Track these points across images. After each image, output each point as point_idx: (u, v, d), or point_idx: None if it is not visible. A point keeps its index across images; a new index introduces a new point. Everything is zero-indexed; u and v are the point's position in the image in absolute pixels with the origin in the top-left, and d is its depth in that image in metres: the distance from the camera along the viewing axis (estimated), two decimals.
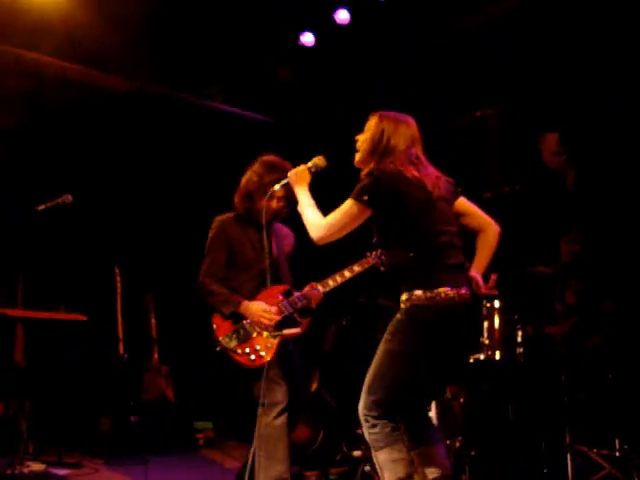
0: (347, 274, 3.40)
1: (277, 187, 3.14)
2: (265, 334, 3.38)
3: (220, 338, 3.42)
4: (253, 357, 3.35)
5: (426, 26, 5.20)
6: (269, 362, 3.30)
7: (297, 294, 3.46)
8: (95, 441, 5.18)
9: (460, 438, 3.62)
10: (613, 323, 3.82)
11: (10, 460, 4.18)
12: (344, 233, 2.81)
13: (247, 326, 3.40)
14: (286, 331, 3.40)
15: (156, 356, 5.66)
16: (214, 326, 3.47)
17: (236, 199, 3.57)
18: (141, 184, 6.04)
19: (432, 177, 2.81)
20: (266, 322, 3.37)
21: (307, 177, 2.98)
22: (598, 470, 3.48)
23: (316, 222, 2.82)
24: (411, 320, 2.69)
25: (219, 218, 3.60)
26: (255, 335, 3.39)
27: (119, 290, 5.52)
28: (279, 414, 3.32)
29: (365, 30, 5.46)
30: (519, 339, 3.77)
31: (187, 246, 6.28)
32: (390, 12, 5.26)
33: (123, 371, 5.35)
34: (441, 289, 2.67)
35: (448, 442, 3.50)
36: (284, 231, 3.70)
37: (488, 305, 3.81)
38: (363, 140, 2.91)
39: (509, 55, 4.81)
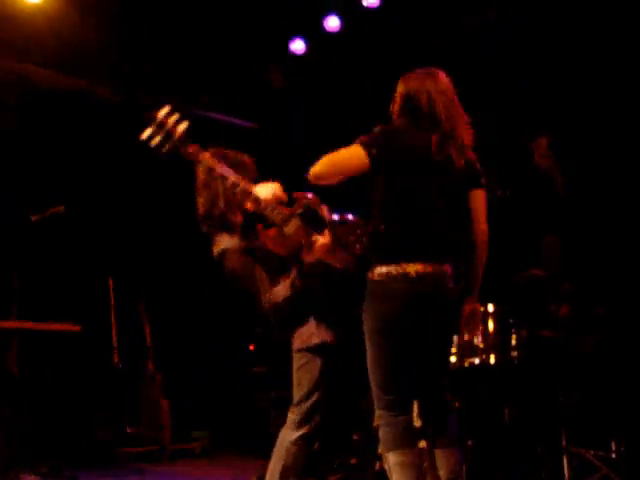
0: None
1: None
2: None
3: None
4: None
5: (418, 28, 5.22)
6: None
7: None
8: (90, 451, 5.16)
9: None
10: (605, 327, 3.84)
11: (4, 473, 4.16)
12: (338, 174, 2.64)
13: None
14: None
15: (151, 365, 5.64)
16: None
17: (200, 210, 3.22)
18: (133, 193, 6.04)
19: (459, 145, 2.65)
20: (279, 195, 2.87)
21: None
22: (594, 472, 3.49)
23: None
24: (369, 297, 2.61)
25: (224, 248, 3.17)
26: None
27: (112, 299, 5.51)
28: (309, 435, 3.00)
29: (356, 36, 5.48)
30: (513, 342, 3.78)
31: (180, 254, 6.32)
32: (381, 17, 5.28)
33: (118, 380, 5.34)
34: (408, 265, 2.56)
35: None
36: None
37: (482, 309, 3.81)
38: (392, 106, 2.79)
39: (500, 57, 4.84)
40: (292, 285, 2.92)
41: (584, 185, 4.22)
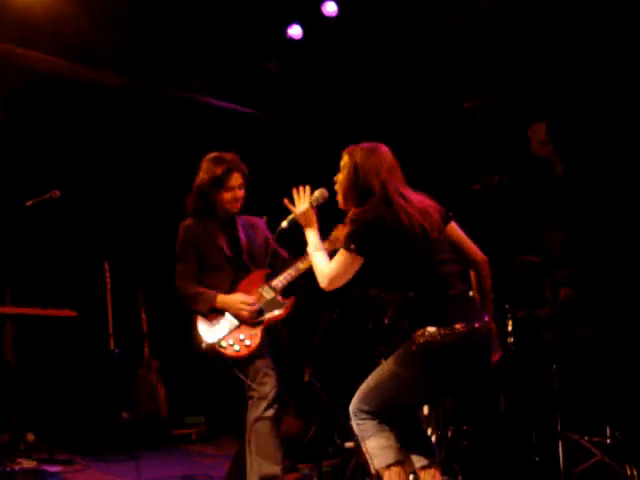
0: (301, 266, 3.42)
1: (284, 224, 3.08)
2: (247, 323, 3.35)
3: (202, 336, 3.38)
4: (238, 347, 3.32)
5: (418, 19, 5.19)
6: (255, 352, 3.29)
7: (279, 275, 3.43)
8: (86, 437, 5.16)
9: (451, 428, 3.62)
10: (603, 316, 3.83)
11: (1, 457, 4.17)
12: (346, 279, 2.80)
13: (228, 318, 3.38)
14: (268, 315, 3.36)
15: (147, 351, 5.65)
16: (197, 327, 3.42)
17: (188, 202, 3.58)
18: (130, 178, 6.01)
19: (420, 208, 2.75)
20: (245, 313, 3.34)
21: (313, 217, 2.96)
22: (589, 458, 3.49)
23: (321, 271, 2.81)
24: (425, 354, 2.66)
25: (183, 224, 3.58)
26: (238, 325, 3.35)
27: (109, 285, 5.50)
28: (268, 407, 3.29)
29: (353, 22, 5.45)
30: (509, 328, 3.77)
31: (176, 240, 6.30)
32: (379, 5, 5.25)
33: (114, 367, 5.33)
34: (456, 325, 2.65)
35: (439, 433, 3.51)
36: (251, 221, 3.68)
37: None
38: (340, 182, 2.88)
39: (497, 46, 4.82)
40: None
41: (584, 171, 4.21)
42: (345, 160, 2.86)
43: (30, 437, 4.86)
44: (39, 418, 5.03)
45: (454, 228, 2.89)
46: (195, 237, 3.52)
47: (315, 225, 2.95)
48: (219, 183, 3.47)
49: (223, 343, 3.33)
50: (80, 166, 5.65)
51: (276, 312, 3.38)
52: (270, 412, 3.29)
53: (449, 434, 3.60)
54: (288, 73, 6.04)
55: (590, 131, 4.31)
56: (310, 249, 2.92)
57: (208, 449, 5.50)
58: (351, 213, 2.80)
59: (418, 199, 2.80)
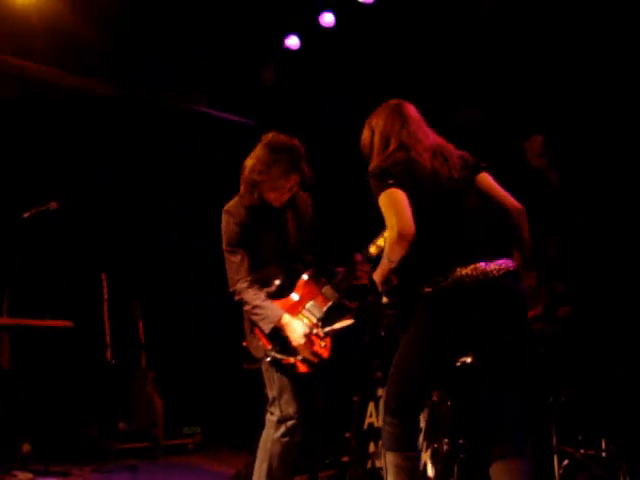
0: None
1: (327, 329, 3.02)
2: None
3: (269, 348, 3.06)
4: (309, 363, 3.04)
5: (410, 25, 5.20)
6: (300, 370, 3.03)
7: (339, 273, 3.11)
8: (83, 448, 5.16)
9: (447, 441, 3.62)
10: (600, 329, 3.84)
11: None
12: (409, 216, 2.53)
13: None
14: (337, 325, 3.07)
15: (144, 361, 5.64)
16: (260, 335, 3.11)
17: (242, 189, 3.15)
18: (127, 189, 6.02)
19: (434, 148, 2.69)
20: (305, 344, 3.02)
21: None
22: (584, 471, 3.50)
23: (389, 241, 2.58)
24: (429, 303, 2.59)
25: (227, 209, 3.17)
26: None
27: (105, 296, 5.50)
28: (289, 432, 3.05)
29: (350, 33, 5.46)
30: None
31: (173, 251, 6.31)
32: (375, 14, 5.26)
33: (111, 377, 5.33)
34: (459, 271, 2.53)
35: (435, 446, 3.50)
36: (302, 201, 3.29)
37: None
38: (362, 147, 2.85)
39: (495, 54, 4.83)
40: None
41: (580, 184, 4.22)
42: (365, 129, 2.84)
43: (26, 448, 4.85)
44: (35, 429, 5.01)
45: (485, 178, 2.75)
46: (243, 223, 3.12)
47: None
48: (276, 186, 3.08)
49: (292, 359, 3.04)
50: (77, 177, 5.65)
51: (345, 321, 3.11)
52: (289, 438, 3.05)
53: (445, 447, 3.60)
54: (284, 83, 6.06)
55: (586, 144, 4.32)
56: (383, 267, 2.68)
57: (205, 459, 5.48)
58: (370, 168, 2.72)
59: (436, 140, 2.75)
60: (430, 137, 2.77)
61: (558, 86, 4.55)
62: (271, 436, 3.08)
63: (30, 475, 4.38)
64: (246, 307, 3.11)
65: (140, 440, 5.41)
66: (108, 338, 5.42)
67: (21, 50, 5.20)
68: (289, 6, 5.42)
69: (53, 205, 4.34)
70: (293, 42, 5.74)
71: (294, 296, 3.16)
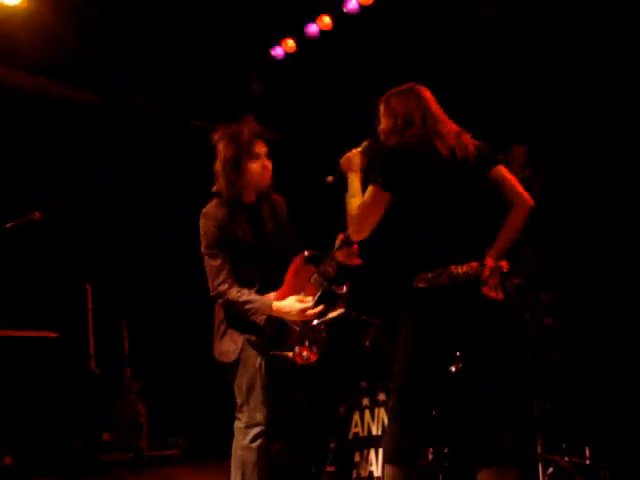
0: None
1: (330, 178, 2.90)
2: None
3: (266, 347, 3.04)
4: (306, 355, 3.01)
5: (398, 33, 5.23)
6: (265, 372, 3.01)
7: (326, 259, 3.04)
8: (67, 459, 5.11)
9: (431, 450, 3.63)
10: (585, 339, 3.86)
11: None
12: (371, 225, 2.65)
13: (289, 325, 3.04)
14: (331, 314, 3.05)
15: (128, 372, 5.61)
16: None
17: (218, 185, 3.17)
18: (113, 199, 5.99)
19: (455, 134, 2.68)
20: (310, 315, 2.99)
21: (359, 162, 2.81)
22: (569, 478, 3.51)
23: (351, 216, 2.67)
24: (417, 300, 2.60)
25: (205, 212, 3.17)
26: (299, 328, 3.02)
27: (90, 306, 5.47)
28: (256, 437, 3.00)
29: (340, 40, 5.48)
30: None
31: (158, 260, 6.28)
32: (368, 20, 5.28)
33: (95, 388, 5.29)
34: (453, 269, 2.53)
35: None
36: (278, 202, 3.33)
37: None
38: (380, 130, 2.81)
39: (477, 68, 4.87)
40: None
41: (561, 195, 4.25)
42: (381, 109, 2.81)
43: (8, 460, 4.80)
44: (17, 440, 4.96)
45: (501, 170, 2.73)
46: (222, 224, 3.11)
47: (359, 171, 2.79)
48: (245, 152, 3.10)
49: (289, 354, 3.01)
50: (61, 187, 5.62)
51: (337, 310, 3.07)
52: (257, 443, 3.00)
53: (429, 457, 3.61)
54: (270, 92, 6.07)
55: (570, 154, 4.36)
56: (348, 193, 2.75)
57: (189, 470, 5.46)
58: (386, 143, 2.72)
59: (453, 127, 2.73)
60: (448, 122, 2.76)
61: (546, 91, 4.59)
62: (240, 443, 3.03)
63: None
64: (234, 306, 3.05)
65: (124, 451, 5.38)
66: (92, 349, 5.38)
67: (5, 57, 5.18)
68: (276, 15, 5.44)
69: (36, 215, 4.31)
70: (279, 52, 5.76)
71: (284, 290, 3.12)
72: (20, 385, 5.14)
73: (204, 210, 3.19)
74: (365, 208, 2.64)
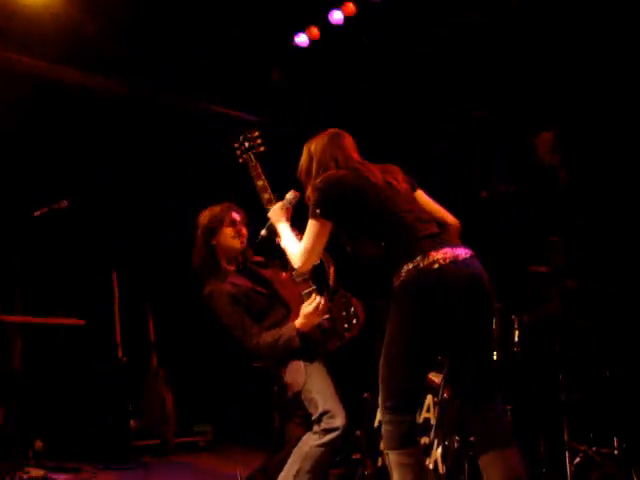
0: None
1: (263, 232, 3.21)
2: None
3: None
4: (346, 325, 3.30)
5: (424, 19, 5.18)
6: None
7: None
8: (95, 445, 5.18)
9: (458, 438, 3.62)
10: (611, 327, 3.82)
11: (9, 466, 4.19)
12: (319, 252, 2.89)
13: (322, 323, 3.30)
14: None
15: (155, 359, 5.66)
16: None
17: (196, 262, 3.52)
18: (138, 187, 6.03)
19: (380, 168, 2.87)
20: (323, 308, 3.22)
21: (282, 213, 3.13)
22: (597, 469, 3.48)
23: (294, 253, 2.90)
24: (405, 291, 2.65)
25: (211, 290, 3.42)
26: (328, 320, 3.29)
27: (117, 294, 5.52)
28: (330, 443, 3.11)
29: (359, 32, 5.45)
30: (516, 339, 3.76)
31: (184, 248, 6.31)
32: (385, 14, 5.25)
33: (122, 375, 5.35)
34: (431, 253, 2.62)
35: (445, 443, 3.50)
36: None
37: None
38: (299, 173, 3.00)
39: (503, 54, 4.81)
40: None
41: (589, 182, 4.20)
42: (304, 154, 3.01)
43: (38, 445, 4.88)
44: (47, 426, 5.04)
45: (421, 195, 2.96)
46: (233, 296, 3.38)
47: (284, 220, 3.11)
48: (220, 220, 3.45)
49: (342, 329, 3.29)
50: (88, 175, 5.67)
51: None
52: (331, 447, 3.14)
53: (455, 445, 3.60)
54: (292, 81, 6.05)
55: (597, 140, 4.30)
56: (283, 241, 3.03)
57: (215, 457, 5.50)
58: (314, 182, 2.87)
59: (377, 166, 2.90)
60: (368, 163, 2.92)
61: (566, 84, 4.53)
62: (312, 440, 3.14)
63: (42, 471, 4.41)
64: (270, 347, 3.28)
65: (151, 437, 5.44)
66: (119, 336, 5.44)
67: (30, 48, 5.21)
68: (298, 4, 5.41)
69: (64, 204, 4.36)
70: (302, 40, 5.73)
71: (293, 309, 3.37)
72: (49, 372, 5.22)
73: (207, 290, 3.43)
74: (310, 240, 2.81)
